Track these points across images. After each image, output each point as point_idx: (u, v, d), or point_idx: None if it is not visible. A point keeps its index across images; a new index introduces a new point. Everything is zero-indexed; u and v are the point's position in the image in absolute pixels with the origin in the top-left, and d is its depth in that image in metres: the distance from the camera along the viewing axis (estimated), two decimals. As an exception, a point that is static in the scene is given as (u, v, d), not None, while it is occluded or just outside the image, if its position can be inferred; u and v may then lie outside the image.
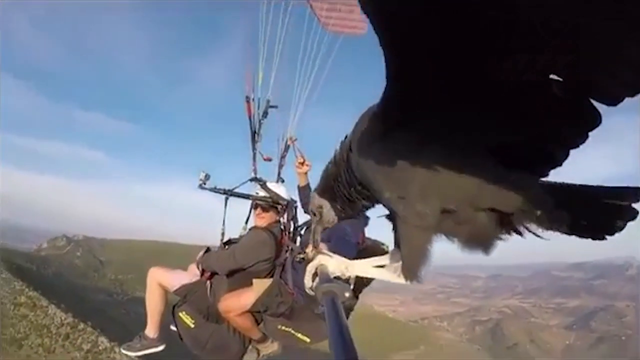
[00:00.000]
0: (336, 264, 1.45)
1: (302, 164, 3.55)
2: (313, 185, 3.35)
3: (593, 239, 1.08)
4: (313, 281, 1.42)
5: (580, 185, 1.08)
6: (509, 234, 1.15)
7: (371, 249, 2.90)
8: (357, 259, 1.63)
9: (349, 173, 1.29)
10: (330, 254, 1.51)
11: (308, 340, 3.08)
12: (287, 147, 3.76)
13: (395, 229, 1.32)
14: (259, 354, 3.36)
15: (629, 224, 1.02)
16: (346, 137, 1.33)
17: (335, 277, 1.40)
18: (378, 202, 1.34)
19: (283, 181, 3.73)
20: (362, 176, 1.24)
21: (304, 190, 3.54)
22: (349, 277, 1.48)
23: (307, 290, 1.45)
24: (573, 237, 1.08)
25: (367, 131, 1.15)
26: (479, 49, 0.76)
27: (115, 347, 29.64)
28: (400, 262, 1.32)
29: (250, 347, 3.32)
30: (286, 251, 3.19)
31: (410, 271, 1.29)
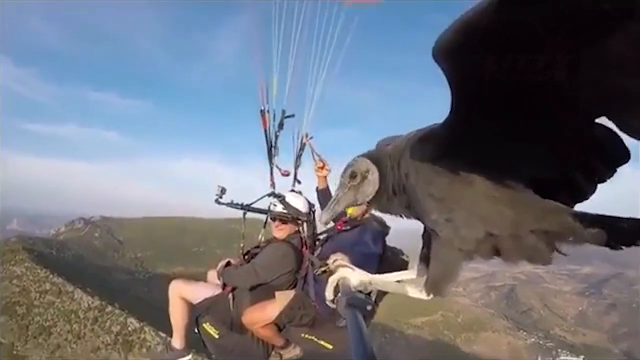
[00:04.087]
0: (358, 278, 1.44)
1: (322, 168, 3.46)
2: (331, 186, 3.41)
3: (612, 249, 1.15)
4: (335, 294, 1.43)
5: (600, 214, 1.14)
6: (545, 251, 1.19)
7: (392, 259, 2.98)
8: (378, 269, 1.81)
9: (399, 175, 1.28)
10: (353, 267, 1.50)
11: (331, 347, 3.05)
12: (302, 146, 3.59)
13: (426, 246, 1.36)
14: (281, 358, 3.39)
15: None
16: (396, 139, 1.35)
17: (357, 291, 1.39)
18: (415, 217, 1.33)
19: (300, 182, 3.62)
20: (411, 190, 1.25)
21: (323, 193, 3.48)
22: (371, 291, 1.45)
23: (328, 303, 1.45)
24: (586, 203, 1.20)
25: (420, 152, 1.18)
26: (530, 95, 0.90)
27: (144, 326, 30.09)
28: (425, 278, 1.34)
29: (273, 352, 3.36)
30: (307, 263, 3.14)
31: (437, 288, 1.32)
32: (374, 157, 1.35)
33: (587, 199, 1.16)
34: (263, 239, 3.49)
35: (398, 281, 1.51)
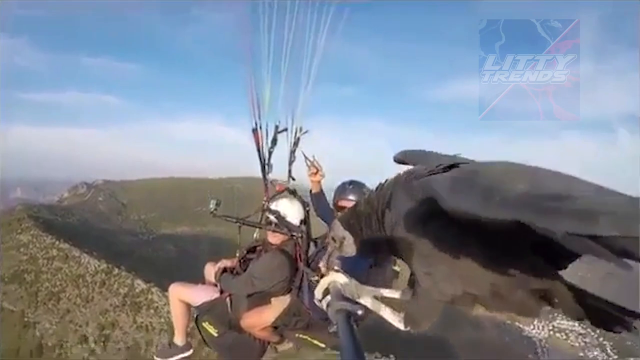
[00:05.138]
0: (349, 286, 1.47)
1: (316, 173, 3.44)
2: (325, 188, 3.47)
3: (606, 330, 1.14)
4: (323, 295, 1.44)
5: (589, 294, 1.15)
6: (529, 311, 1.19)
7: (383, 269, 2.94)
8: (368, 277, 1.86)
9: (382, 227, 1.29)
10: (344, 274, 1.51)
11: (324, 346, 3.21)
12: (296, 142, 3.52)
13: (412, 275, 1.35)
14: (276, 351, 3.60)
15: None
16: (383, 184, 1.35)
17: (347, 297, 1.40)
18: (401, 259, 1.36)
19: (294, 179, 3.58)
20: (396, 240, 1.26)
21: (317, 197, 3.50)
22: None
23: (315, 302, 1.47)
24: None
25: (406, 209, 1.19)
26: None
27: (151, 287, 30.93)
28: (407, 311, 1.36)
29: (268, 347, 3.52)
30: (302, 273, 3.19)
31: (416, 324, 1.34)
32: (348, 222, 1.43)
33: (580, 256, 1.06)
34: (257, 236, 3.53)
35: (382, 297, 1.53)
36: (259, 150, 3.48)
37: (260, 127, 3.45)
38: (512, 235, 0.94)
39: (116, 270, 31.96)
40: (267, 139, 3.46)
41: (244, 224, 3.39)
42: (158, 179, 77.50)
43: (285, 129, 3.49)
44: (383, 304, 1.48)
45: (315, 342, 3.21)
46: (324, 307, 1.37)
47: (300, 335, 3.23)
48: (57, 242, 31.96)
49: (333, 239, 1.45)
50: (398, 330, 1.39)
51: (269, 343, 3.47)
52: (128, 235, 52.76)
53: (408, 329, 1.36)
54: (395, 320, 1.39)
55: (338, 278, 1.47)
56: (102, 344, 25.69)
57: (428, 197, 1.09)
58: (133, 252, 42.11)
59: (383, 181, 1.37)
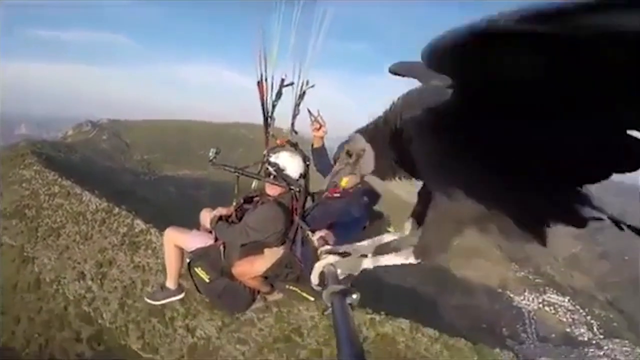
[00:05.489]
0: (346, 264, 1.46)
1: (319, 129, 3.44)
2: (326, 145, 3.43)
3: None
4: (319, 279, 1.46)
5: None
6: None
7: (376, 228, 2.99)
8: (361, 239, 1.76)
9: (399, 143, 1.27)
10: (339, 249, 1.52)
11: (312, 299, 3.27)
12: (302, 94, 3.47)
13: (421, 203, 1.37)
14: (266, 300, 3.74)
15: None
16: (395, 102, 1.32)
17: (344, 278, 1.42)
18: (418, 179, 1.35)
19: (296, 133, 3.58)
20: (413, 157, 1.23)
21: (318, 152, 3.49)
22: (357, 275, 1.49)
23: (312, 286, 1.50)
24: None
25: (424, 124, 1.16)
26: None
27: (150, 228, 31.49)
28: (416, 244, 1.35)
29: (258, 296, 3.59)
30: (297, 226, 3.21)
31: (427, 254, 1.34)
32: (371, 134, 1.41)
33: (599, 181, 1.05)
34: (255, 186, 3.57)
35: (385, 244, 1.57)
36: (262, 104, 3.44)
37: (266, 80, 3.39)
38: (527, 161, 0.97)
39: (116, 210, 32.51)
40: (271, 91, 3.41)
41: (242, 174, 3.37)
42: (163, 120, 77.42)
43: (292, 83, 3.43)
44: (382, 254, 1.48)
45: (304, 294, 3.27)
46: (321, 292, 1.35)
47: (290, 287, 3.31)
48: (59, 179, 32.37)
49: (348, 152, 1.45)
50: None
51: (259, 292, 3.55)
52: (130, 174, 53.29)
53: (419, 261, 1.37)
54: (401, 258, 1.40)
55: (332, 260, 1.47)
56: (99, 281, 26.50)
57: (443, 104, 1.04)
58: (134, 192, 42.71)
59: (395, 99, 1.35)
